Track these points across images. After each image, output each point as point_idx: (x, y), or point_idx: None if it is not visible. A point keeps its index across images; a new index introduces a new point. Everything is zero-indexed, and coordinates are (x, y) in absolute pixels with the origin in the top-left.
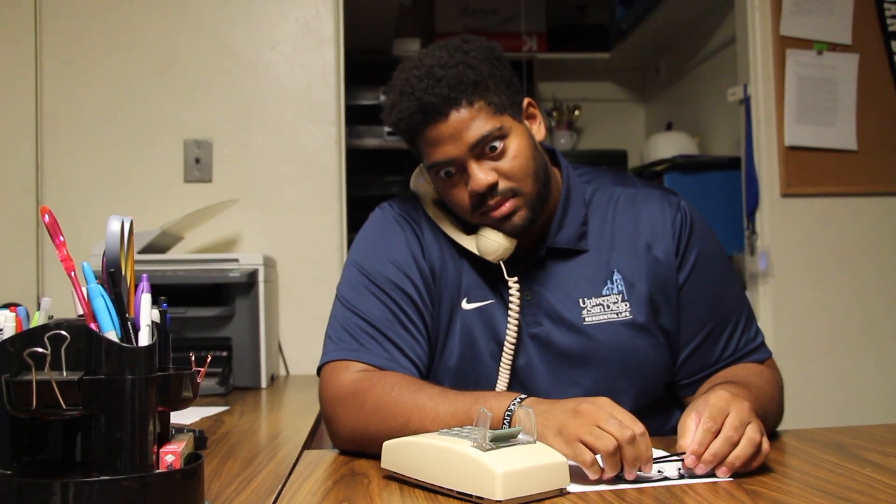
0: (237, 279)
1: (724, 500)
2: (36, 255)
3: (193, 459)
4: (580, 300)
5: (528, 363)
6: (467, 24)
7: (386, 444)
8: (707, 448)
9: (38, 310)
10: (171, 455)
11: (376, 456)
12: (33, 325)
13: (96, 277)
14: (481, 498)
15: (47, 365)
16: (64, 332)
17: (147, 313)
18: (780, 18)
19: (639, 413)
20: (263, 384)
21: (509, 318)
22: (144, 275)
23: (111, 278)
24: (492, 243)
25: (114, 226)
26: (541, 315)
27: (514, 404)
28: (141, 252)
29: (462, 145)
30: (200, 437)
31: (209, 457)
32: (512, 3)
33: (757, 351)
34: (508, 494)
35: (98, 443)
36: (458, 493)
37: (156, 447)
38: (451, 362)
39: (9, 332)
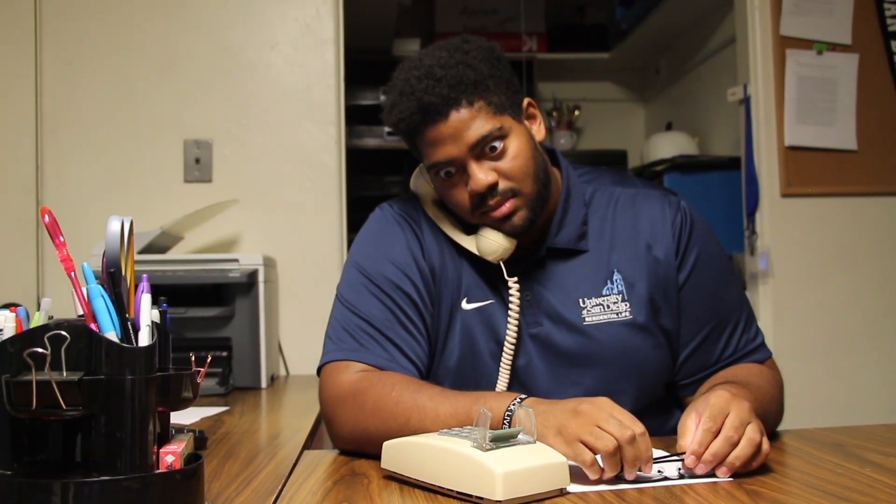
0: (237, 279)
1: (724, 500)
2: (36, 255)
3: (193, 459)
4: (580, 300)
5: (528, 363)
6: (467, 24)
7: (386, 444)
8: (707, 448)
9: (38, 310)
10: (171, 455)
11: (376, 456)
12: (33, 325)
13: (96, 277)
14: (481, 498)
15: (47, 365)
16: (64, 333)
17: (147, 313)
18: (780, 18)
19: (639, 413)
20: (263, 384)
21: (509, 318)
22: (144, 275)
23: (111, 278)
24: (492, 243)
25: (114, 226)
26: (541, 315)
27: (514, 404)
28: (141, 252)
29: (462, 145)
30: (200, 438)
31: (209, 457)
32: (512, 3)
33: (757, 351)
34: (508, 494)
35: (98, 443)
36: (458, 493)
37: (156, 447)
38: (451, 362)
39: (9, 332)
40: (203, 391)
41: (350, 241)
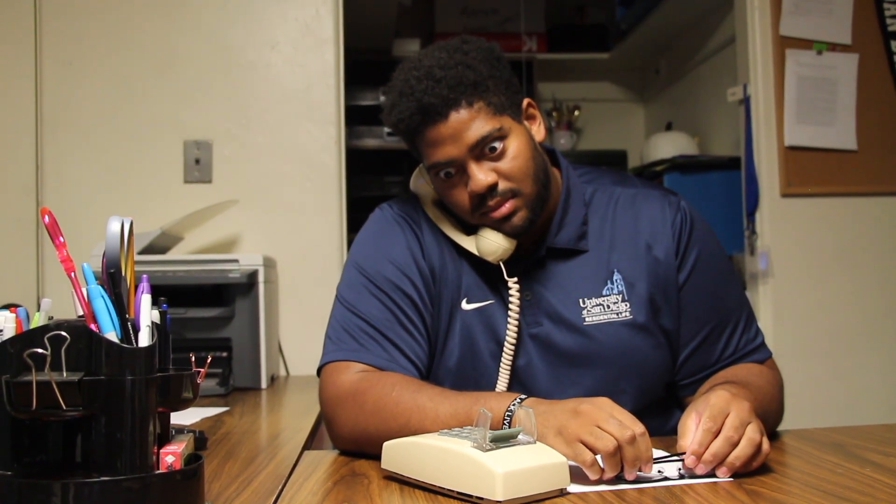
0: (237, 280)
1: (725, 500)
2: (36, 255)
3: (194, 460)
4: (580, 300)
5: (528, 363)
6: (467, 24)
7: (386, 444)
8: (707, 448)
9: (38, 310)
10: (172, 455)
11: (376, 456)
12: (33, 325)
13: (96, 278)
14: (481, 498)
15: (47, 366)
16: (64, 333)
17: (147, 314)
18: (779, 18)
19: (639, 413)
20: (263, 385)
21: (509, 319)
22: (144, 275)
23: (111, 279)
24: (491, 244)
25: (114, 226)
26: (541, 315)
27: (514, 405)
28: (141, 253)
29: (462, 146)
30: (200, 438)
31: (209, 457)
32: (511, 3)
33: (757, 351)
34: (509, 495)
35: (98, 443)
36: (459, 493)
37: (156, 448)
38: (451, 363)
39: (9, 332)
40: (203, 392)
41: (350, 242)
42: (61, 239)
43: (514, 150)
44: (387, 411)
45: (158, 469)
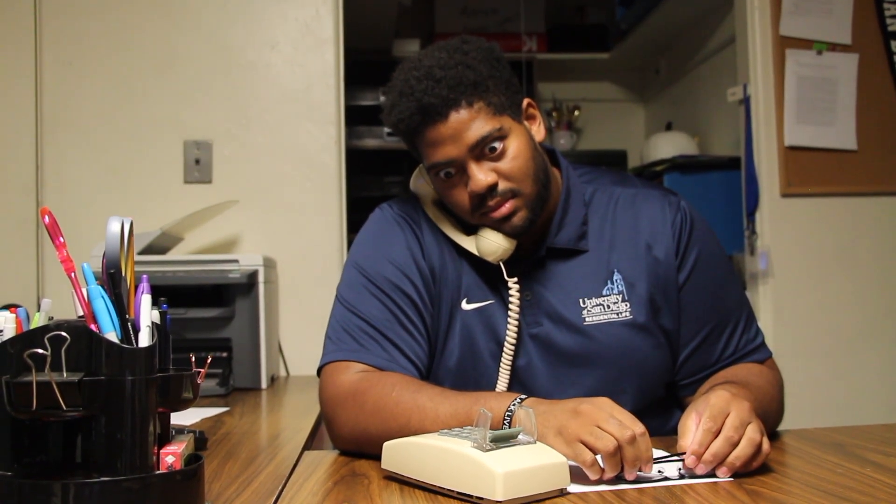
0: (237, 280)
1: (725, 500)
2: (36, 256)
3: (194, 460)
4: (580, 300)
5: (528, 363)
6: (467, 24)
7: (386, 444)
8: (707, 448)
9: (39, 311)
10: (172, 456)
11: (376, 456)
12: (33, 326)
13: (96, 278)
14: (481, 498)
15: (47, 366)
16: (64, 334)
17: (147, 314)
18: (779, 18)
19: (639, 413)
20: (263, 385)
21: (509, 319)
22: (144, 276)
23: (111, 279)
24: (491, 244)
25: (114, 227)
26: (541, 315)
27: (514, 405)
28: (141, 253)
29: (462, 146)
30: (201, 438)
31: (209, 458)
32: (511, 3)
33: (757, 351)
34: (509, 495)
35: (98, 444)
36: (459, 493)
37: (156, 448)
38: (451, 363)
39: (9, 333)
40: (203, 392)
41: (350, 242)
42: (61, 239)
43: (514, 151)
44: (387, 411)
45: (158, 469)
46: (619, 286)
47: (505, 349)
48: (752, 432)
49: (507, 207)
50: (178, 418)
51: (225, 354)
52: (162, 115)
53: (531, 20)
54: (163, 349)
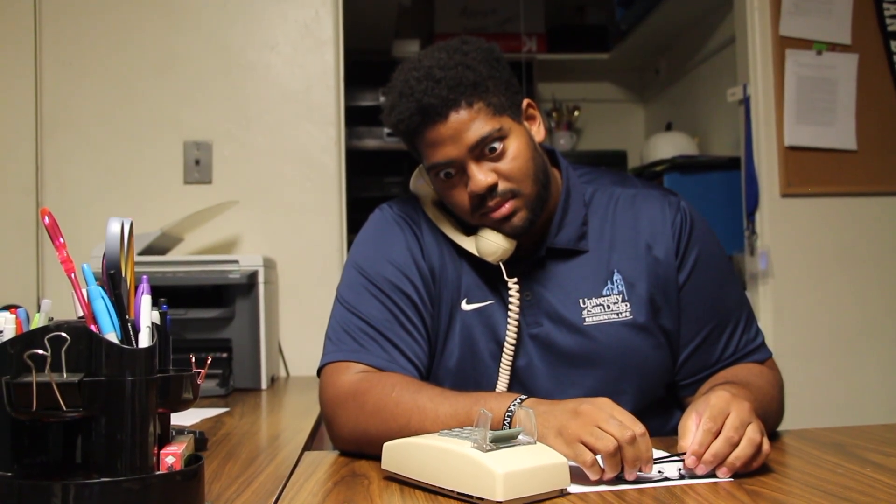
0: (237, 280)
1: (725, 500)
2: (36, 256)
3: (194, 461)
4: (580, 300)
5: (528, 364)
6: (467, 24)
7: (386, 445)
8: (707, 448)
9: (39, 311)
10: (172, 456)
11: (377, 457)
12: (33, 326)
13: (96, 279)
14: (482, 499)
15: (47, 367)
16: (64, 334)
17: (147, 315)
18: (779, 18)
19: (639, 413)
20: (263, 385)
21: (509, 319)
22: (144, 276)
23: (111, 280)
24: (491, 244)
25: (114, 227)
26: (541, 315)
27: (514, 405)
28: (141, 254)
29: (461, 146)
30: (201, 439)
31: (209, 458)
32: (511, 3)
33: (757, 351)
34: (509, 495)
35: (98, 444)
36: (459, 493)
37: (156, 448)
38: (451, 363)
39: (9, 333)
40: (203, 392)
41: (350, 242)
42: (61, 240)
43: (514, 151)
44: (387, 412)
45: (159, 470)
46: (619, 286)
47: (505, 349)
48: (753, 433)
49: (506, 208)
50: (179, 419)
51: (225, 355)
52: (162, 116)
53: (531, 20)
54: (163, 350)
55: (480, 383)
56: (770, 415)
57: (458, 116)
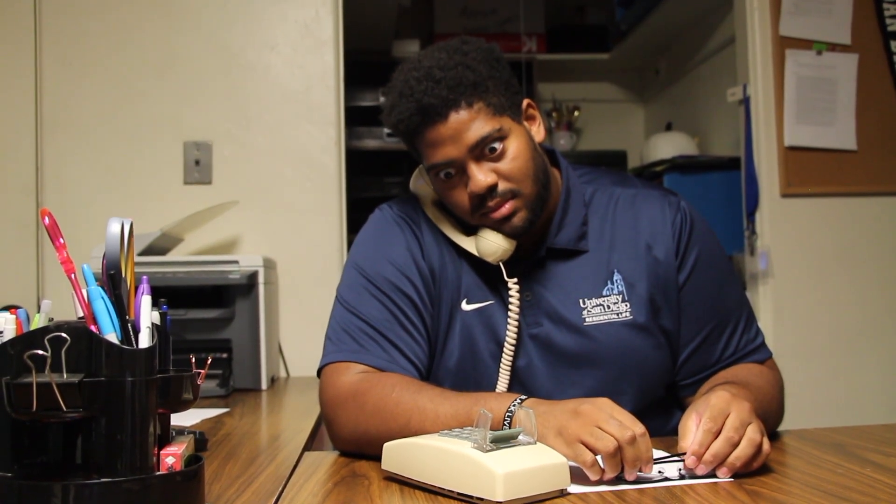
0: (237, 281)
1: (725, 500)
2: (36, 257)
3: (194, 461)
4: (580, 300)
5: (528, 364)
6: (466, 25)
7: (386, 445)
8: (707, 448)
9: (39, 312)
10: (172, 457)
11: (377, 457)
12: (33, 327)
13: (96, 279)
14: (482, 499)
15: (48, 367)
16: (64, 335)
17: (147, 315)
18: (779, 19)
19: (639, 413)
20: (264, 386)
21: (509, 319)
22: (144, 277)
23: (111, 280)
24: (491, 244)
25: (114, 228)
26: (541, 315)
27: (514, 405)
28: (141, 254)
29: (461, 146)
30: (201, 439)
31: (210, 459)
32: (511, 3)
33: (757, 351)
34: (509, 495)
35: (98, 445)
36: (459, 494)
37: (156, 449)
38: (451, 363)
39: (9, 334)
40: (203, 393)
41: (350, 243)
42: (61, 240)
43: (514, 151)
44: (387, 412)
45: (159, 470)
46: (619, 286)
47: (505, 350)
48: (753, 433)
49: (506, 208)
50: (179, 419)
51: (225, 355)
52: (162, 116)
53: (531, 21)
54: (163, 350)
55: (480, 383)
56: (770, 415)
57: (458, 116)
